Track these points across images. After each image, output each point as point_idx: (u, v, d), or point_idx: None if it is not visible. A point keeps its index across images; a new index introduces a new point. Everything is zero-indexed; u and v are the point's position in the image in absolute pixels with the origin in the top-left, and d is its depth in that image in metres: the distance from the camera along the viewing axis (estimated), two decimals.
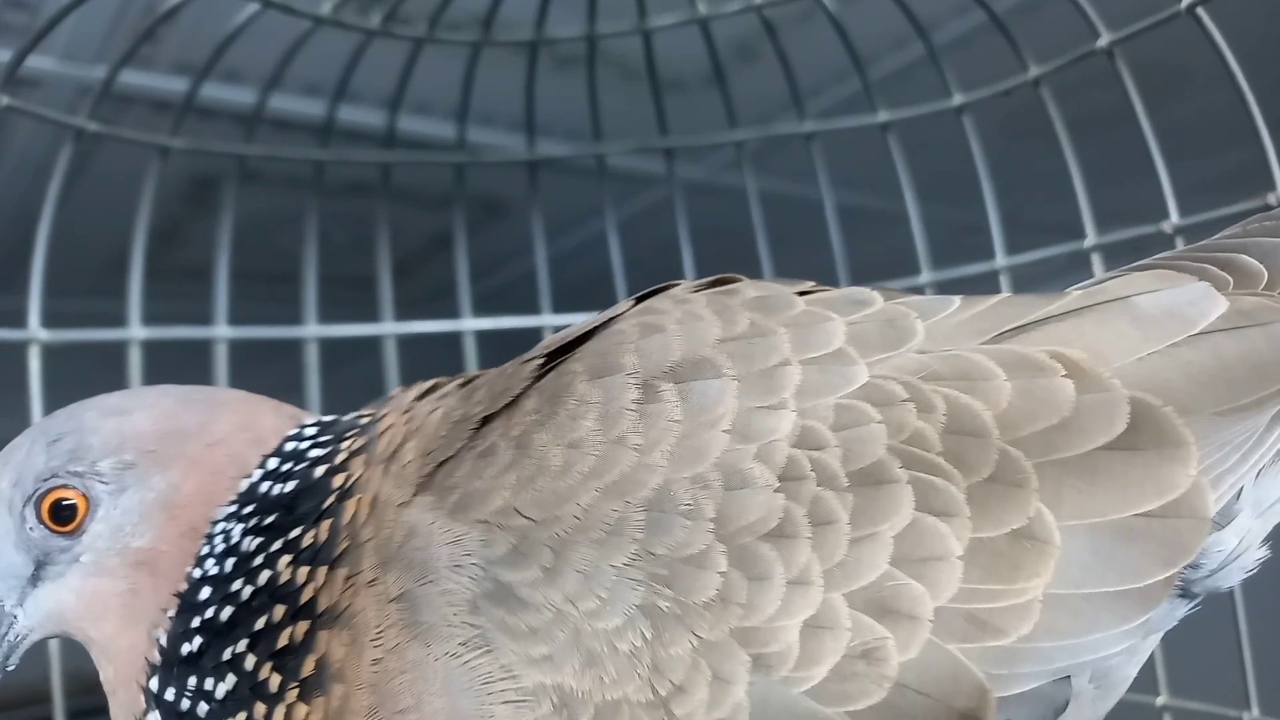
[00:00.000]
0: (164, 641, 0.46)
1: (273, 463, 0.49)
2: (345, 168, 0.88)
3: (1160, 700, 0.75)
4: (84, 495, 0.47)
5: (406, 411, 0.52)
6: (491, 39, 0.82)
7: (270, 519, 0.47)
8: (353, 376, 0.87)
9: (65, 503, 0.47)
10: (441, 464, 0.47)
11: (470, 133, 0.89)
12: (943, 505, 0.43)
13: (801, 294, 0.51)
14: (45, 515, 0.47)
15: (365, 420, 0.52)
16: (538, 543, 0.43)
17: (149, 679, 0.46)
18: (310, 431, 0.50)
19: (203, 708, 0.44)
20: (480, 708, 0.42)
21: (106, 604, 0.47)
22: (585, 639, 0.42)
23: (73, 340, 0.73)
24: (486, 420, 0.48)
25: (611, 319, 0.50)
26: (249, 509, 0.47)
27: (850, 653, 0.41)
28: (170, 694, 0.45)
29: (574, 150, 0.93)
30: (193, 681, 0.45)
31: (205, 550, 0.47)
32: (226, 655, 0.44)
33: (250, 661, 0.44)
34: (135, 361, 0.77)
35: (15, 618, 0.48)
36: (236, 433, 0.48)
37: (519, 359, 0.52)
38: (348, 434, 0.50)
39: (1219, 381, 0.45)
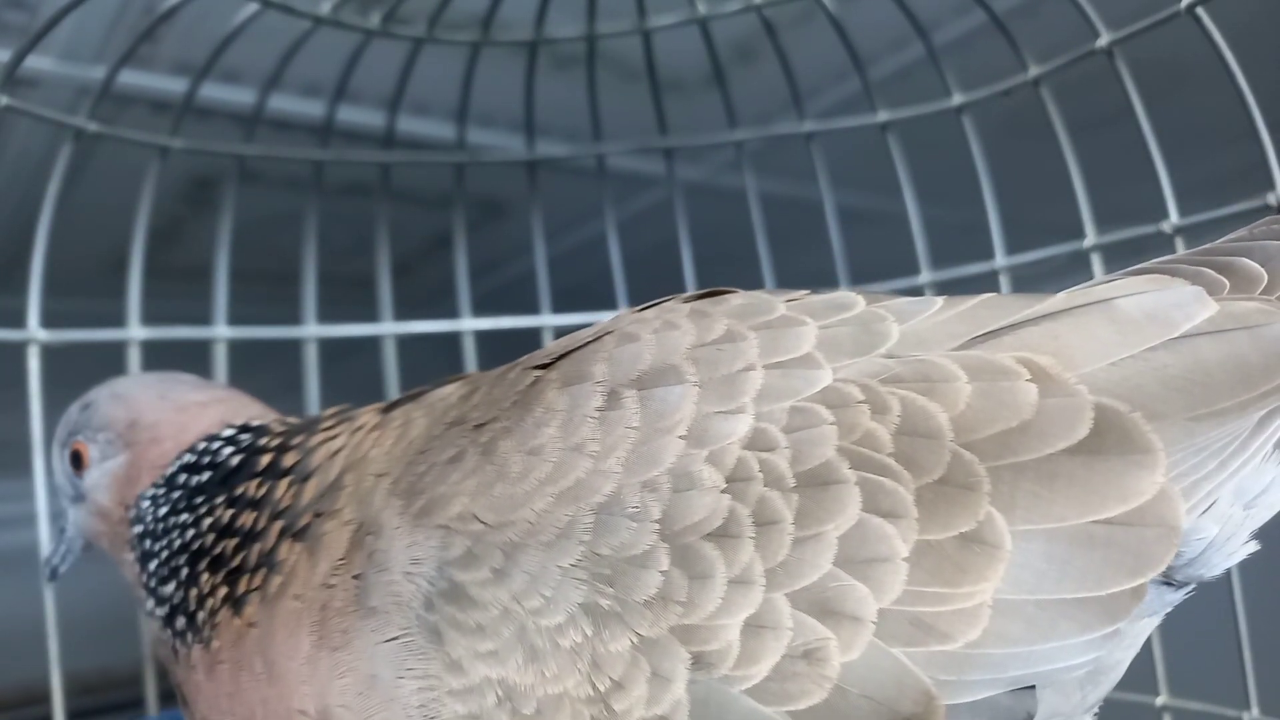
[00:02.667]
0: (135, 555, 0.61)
1: (188, 458, 0.60)
2: (345, 168, 0.88)
3: (1160, 700, 0.75)
4: (88, 451, 0.63)
5: (386, 410, 0.57)
6: (491, 39, 0.82)
7: (187, 499, 0.59)
8: (352, 377, 0.87)
9: (80, 453, 0.63)
10: (419, 463, 0.50)
11: (470, 134, 0.89)
12: (890, 506, 0.42)
13: (788, 301, 0.50)
14: (69, 459, 0.64)
15: (284, 427, 0.60)
16: (491, 545, 0.45)
17: (137, 572, 0.61)
18: (228, 434, 0.60)
19: (161, 593, 0.59)
20: (396, 680, 0.45)
21: (97, 531, 0.64)
22: (529, 635, 0.44)
23: (72, 340, 0.74)
24: (478, 427, 0.49)
25: (606, 334, 0.51)
26: (174, 493, 0.59)
27: (791, 652, 0.42)
28: (145, 577, 0.60)
29: (573, 150, 0.93)
30: (149, 577, 0.60)
31: (133, 515, 0.61)
32: (161, 562, 0.59)
33: (183, 571, 0.57)
34: (134, 362, 0.77)
35: (69, 518, 0.66)
36: (175, 434, 0.61)
37: (521, 365, 0.53)
38: (274, 433, 0.59)
39: (1195, 386, 0.44)
